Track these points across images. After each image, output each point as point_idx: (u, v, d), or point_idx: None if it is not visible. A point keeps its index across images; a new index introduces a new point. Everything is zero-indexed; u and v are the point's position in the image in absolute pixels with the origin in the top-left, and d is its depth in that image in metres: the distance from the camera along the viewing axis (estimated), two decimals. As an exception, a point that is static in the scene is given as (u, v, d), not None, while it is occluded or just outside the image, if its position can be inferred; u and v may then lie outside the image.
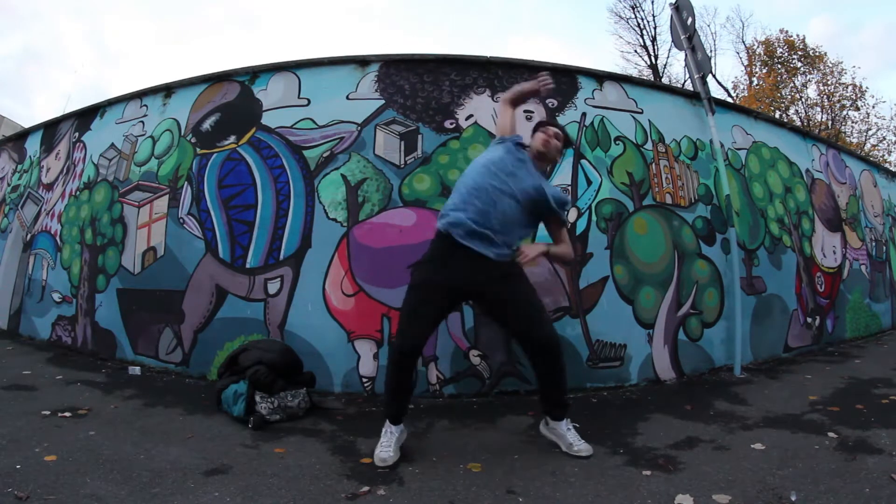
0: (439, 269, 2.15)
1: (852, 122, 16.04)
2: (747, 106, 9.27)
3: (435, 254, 2.20)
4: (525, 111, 3.43)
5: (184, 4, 42.98)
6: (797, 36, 16.11)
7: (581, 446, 2.17)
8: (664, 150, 3.78)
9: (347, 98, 3.43)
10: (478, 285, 2.16)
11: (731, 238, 3.80)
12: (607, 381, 3.24)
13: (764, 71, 16.53)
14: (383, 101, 3.40)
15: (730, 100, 13.86)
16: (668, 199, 3.69)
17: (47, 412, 2.53)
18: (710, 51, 16.33)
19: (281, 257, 3.32)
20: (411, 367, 2.17)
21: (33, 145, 5.15)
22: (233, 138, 3.60)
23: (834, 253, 4.86)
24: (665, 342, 3.46)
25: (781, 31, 16.58)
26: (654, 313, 3.46)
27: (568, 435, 2.21)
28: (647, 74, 16.60)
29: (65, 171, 4.63)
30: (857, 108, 15.74)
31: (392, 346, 2.29)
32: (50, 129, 5.00)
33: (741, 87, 17.08)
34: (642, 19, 17.17)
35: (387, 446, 2.11)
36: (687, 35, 4.20)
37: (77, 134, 4.63)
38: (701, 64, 4.13)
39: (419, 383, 2.91)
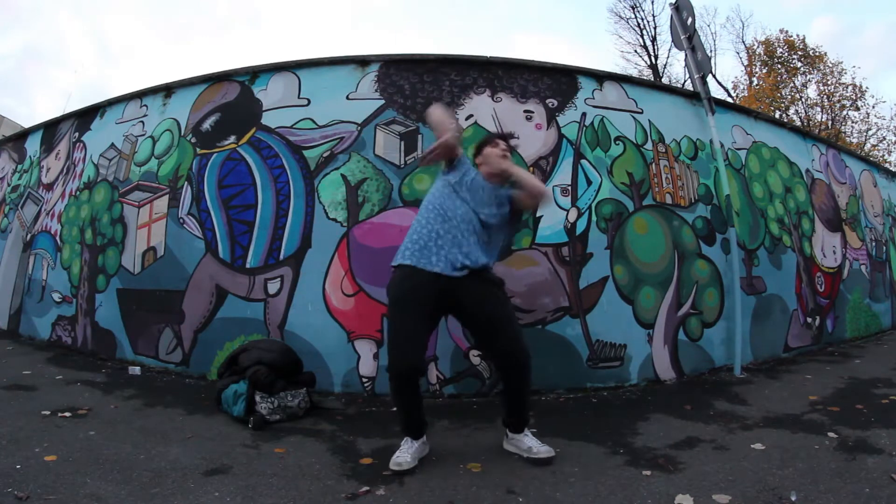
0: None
1: (852, 122, 16.05)
2: (747, 106, 9.27)
3: None
4: (525, 111, 3.43)
5: (186, 3, 43.00)
6: (797, 36, 16.11)
7: (541, 448, 2.10)
8: (664, 150, 3.78)
9: (347, 98, 3.43)
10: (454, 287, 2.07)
11: (731, 238, 3.80)
12: (607, 381, 3.24)
13: (764, 71, 16.52)
14: (383, 101, 3.40)
15: (730, 100, 13.85)
16: (668, 199, 3.69)
17: (47, 412, 2.53)
18: (710, 51, 16.34)
19: (281, 257, 3.32)
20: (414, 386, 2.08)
21: (33, 145, 5.15)
22: (233, 138, 3.60)
23: (834, 253, 4.86)
24: (665, 342, 3.46)
25: (781, 31, 16.55)
26: (654, 313, 3.46)
27: (526, 440, 2.15)
28: (647, 74, 16.59)
29: (65, 170, 4.63)
30: (857, 108, 15.73)
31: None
32: (50, 129, 5.00)
33: (741, 87, 17.09)
34: (642, 19, 17.19)
35: (405, 451, 2.05)
36: (687, 35, 4.21)
37: (77, 134, 4.63)
38: (701, 64, 4.13)
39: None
